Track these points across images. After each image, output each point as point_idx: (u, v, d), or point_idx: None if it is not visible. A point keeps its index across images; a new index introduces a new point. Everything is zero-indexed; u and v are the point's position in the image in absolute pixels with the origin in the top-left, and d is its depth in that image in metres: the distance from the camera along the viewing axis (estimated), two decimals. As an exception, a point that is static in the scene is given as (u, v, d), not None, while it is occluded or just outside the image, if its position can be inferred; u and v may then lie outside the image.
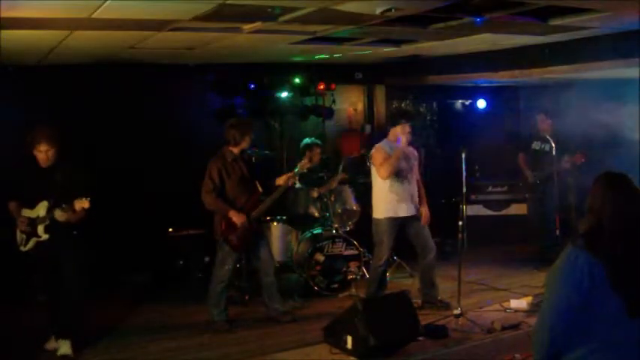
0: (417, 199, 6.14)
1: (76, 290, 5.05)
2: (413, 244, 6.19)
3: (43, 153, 4.93)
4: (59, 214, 4.89)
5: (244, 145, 5.74)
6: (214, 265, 5.80)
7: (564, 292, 2.32)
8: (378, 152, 6.07)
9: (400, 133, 5.97)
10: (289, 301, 6.28)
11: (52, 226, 4.94)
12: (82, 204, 4.81)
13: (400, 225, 6.07)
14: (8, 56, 6.07)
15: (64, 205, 4.84)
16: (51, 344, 5.17)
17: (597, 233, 2.34)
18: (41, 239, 4.98)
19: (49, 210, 4.92)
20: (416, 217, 6.10)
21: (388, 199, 6.03)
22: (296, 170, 5.97)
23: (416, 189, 6.16)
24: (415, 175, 6.21)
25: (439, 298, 6.14)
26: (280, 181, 5.86)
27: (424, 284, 6.18)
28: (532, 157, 7.90)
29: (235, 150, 5.72)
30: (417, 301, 5.86)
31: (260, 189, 5.81)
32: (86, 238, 5.14)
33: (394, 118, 6.23)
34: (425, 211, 6.16)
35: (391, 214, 6.03)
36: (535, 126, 7.92)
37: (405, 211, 6.03)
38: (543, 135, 7.76)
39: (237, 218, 5.58)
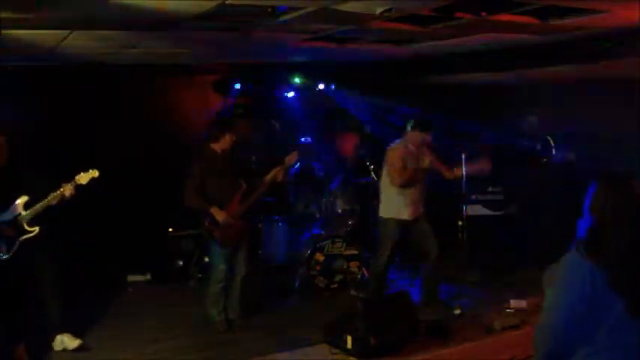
0: (422, 202, 6.11)
1: (59, 281, 5.11)
2: (415, 247, 6.18)
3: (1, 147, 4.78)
4: (68, 189, 4.82)
5: (225, 143, 5.73)
6: (210, 267, 5.79)
7: (567, 300, 2.31)
8: (395, 155, 5.99)
9: (419, 139, 5.96)
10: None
11: (36, 218, 4.85)
12: (92, 174, 4.90)
13: (404, 228, 6.06)
14: (8, 56, 6.07)
15: (70, 183, 4.83)
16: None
17: (598, 236, 2.33)
18: (31, 235, 4.85)
19: (29, 204, 4.83)
20: (419, 220, 6.09)
21: (395, 201, 6.04)
22: (284, 165, 5.95)
23: (424, 191, 6.12)
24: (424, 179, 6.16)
25: (439, 299, 6.15)
26: (268, 176, 5.86)
27: (426, 286, 6.18)
28: (523, 157, 7.93)
29: (216, 147, 5.73)
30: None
31: (244, 186, 5.80)
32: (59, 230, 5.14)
33: (422, 125, 6.05)
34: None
35: (396, 216, 6.03)
36: (525, 125, 7.97)
37: (409, 214, 6.02)
38: (534, 134, 7.83)
39: (218, 215, 5.58)
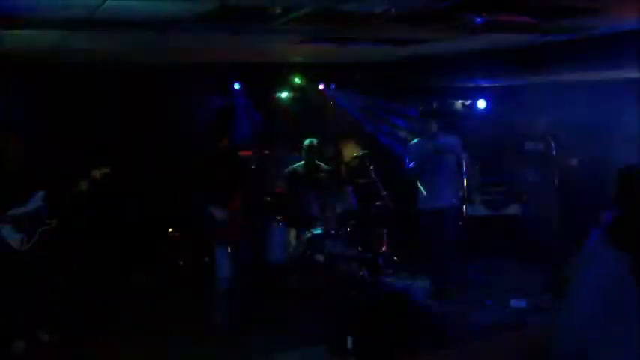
0: (449, 193, 6.30)
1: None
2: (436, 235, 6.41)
3: (16, 144, 5.06)
4: (85, 184, 5.12)
5: (224, 142, 5.81)
6: (214, 267, 5.80)
7: (591, 288, 2.34)
8: (408, 147, 6.59)
9: (426, 129, 6.48)
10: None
11: (55, 211, 5.15)
12: (104, 171, 5.19)
13: (437, 214, 6.33)
14: (9, 56, 6.07)
15: (90, 177, 5.14)
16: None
17: (622, 226, 2.37)
18: (50, 226, 5.13)
19: (48, 198, 5.09)
20: (446, 211, 6.29)
21: (422, 192, 6.45)
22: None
23: (449, 183, 6.34)
24: (451, 169, 6.38)
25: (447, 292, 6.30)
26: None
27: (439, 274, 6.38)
28: (526, 158, 7.94)
29: (216, 147, 5.78)
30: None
31: (244, 185, 5.83)
32: None
33: (425, 112, 6.77)
34: None
35: (423, 206, 6.42)
36: (529, 126, 7.98)
37: (436, 203, 6.35)
38: (537, 135, 7.83)
39: (217, 212, 5.61)
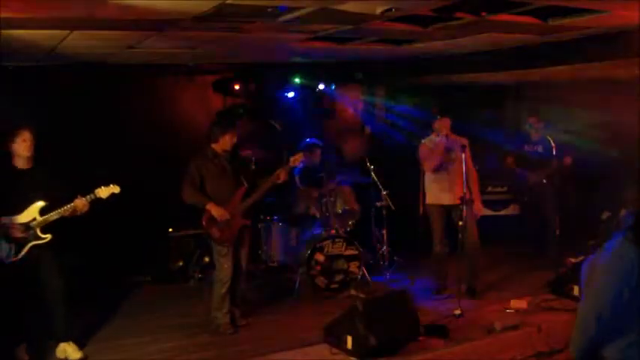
0: (460, 189, 6.25)
1: (65, 290, 5.02)
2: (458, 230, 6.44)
3: (28, 142, 4.86)
4: (82, 203, 4.85)
5: (225, 143, 5.73)
6: (215, 269, 5.78)
7: (614, 286, 2.35)
8: (422, 147, 6.62)
9: (439, 128, 6.51)
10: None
11: (50, 225, 4.87)
12: (113, 189, 4.94)
13: (447, 212, 6.49)
14: (8, 56, 6.07)
15: (88, 196, 4.87)
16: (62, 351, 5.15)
17: None
18: (42, 241, 4.86)
19: (45, 211, 4.84)
20: (461, 206, 6.25)
21: (432, 189, 6.57)
22: (287, 165, 5.95)
23: (459, 179, 6.29)
24: (461, 165, 6.25)
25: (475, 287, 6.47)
26: (271, 177, 5.87)
27: (467, 272, 6.43)
28: (525, 159, 7.94)
29: (216, 147, 5.73)
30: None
31: (245, 186, 5.80)
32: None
33: (441, 112, 6.73)
34: (476, 204, 6.54)
35: (436, 201, 6.53)
36: (528, 128, 7.99)
37: (447, 200, 6.46)
38: (536, 137, 7.84)
39: (215, 211, 5.58)
